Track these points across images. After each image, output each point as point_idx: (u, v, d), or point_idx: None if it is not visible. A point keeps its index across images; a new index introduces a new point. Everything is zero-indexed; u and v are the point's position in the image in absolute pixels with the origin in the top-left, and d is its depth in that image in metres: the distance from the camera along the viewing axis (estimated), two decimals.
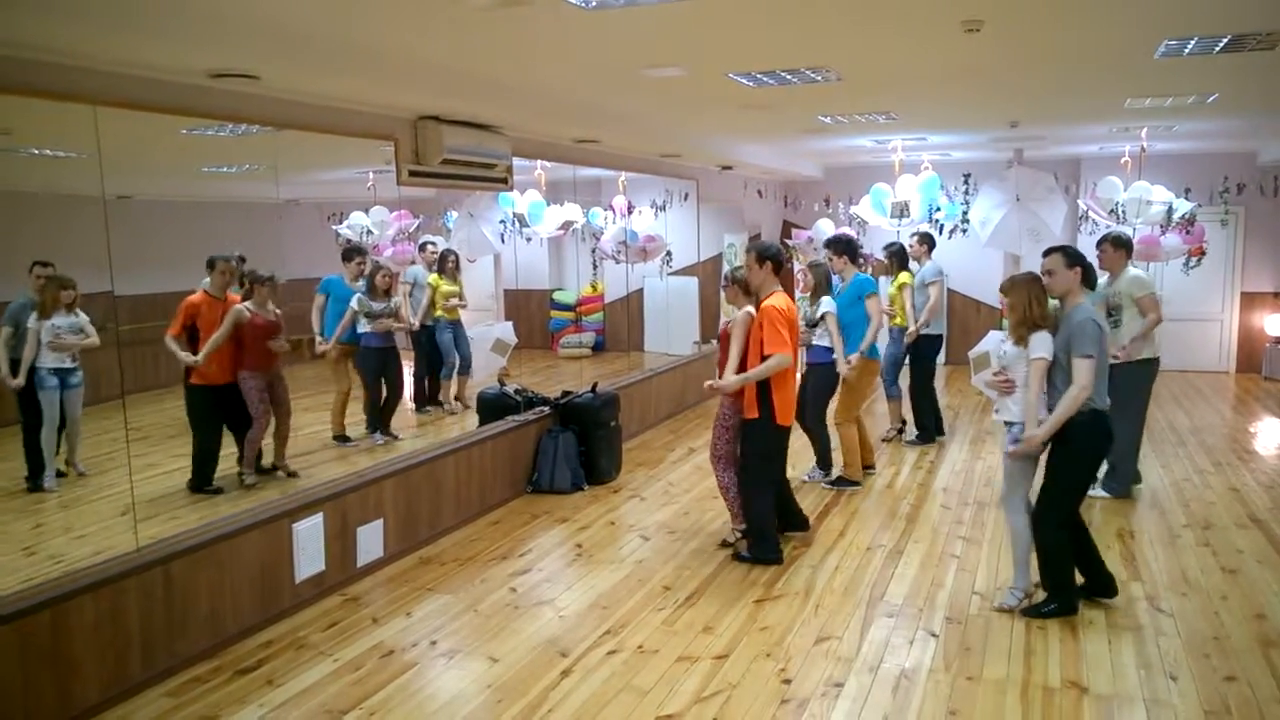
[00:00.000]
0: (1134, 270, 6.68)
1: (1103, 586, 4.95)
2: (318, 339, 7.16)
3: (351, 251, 7.36)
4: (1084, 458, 4.74)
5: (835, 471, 7.34)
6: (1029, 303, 4.70)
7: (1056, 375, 4.65)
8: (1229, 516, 6.42)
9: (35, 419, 5.28)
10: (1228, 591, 5.13)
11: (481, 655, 4.51)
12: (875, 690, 4.10)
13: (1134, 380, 6.51)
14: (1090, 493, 6.61)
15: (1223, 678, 4.17)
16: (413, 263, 8.37)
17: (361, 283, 7.27)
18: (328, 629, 4.85)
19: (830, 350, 7.05)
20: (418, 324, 8.32)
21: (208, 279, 5.95)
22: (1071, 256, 4.78)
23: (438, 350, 8.48)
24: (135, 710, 4.04)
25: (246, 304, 5.94)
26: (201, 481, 5.74)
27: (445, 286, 8.42)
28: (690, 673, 4.29)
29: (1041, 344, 4.64)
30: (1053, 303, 4.85)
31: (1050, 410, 4.63)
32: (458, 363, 8.51)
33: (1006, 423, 4.79)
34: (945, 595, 5.12)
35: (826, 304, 7.00)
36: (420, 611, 5.06)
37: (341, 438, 7.17)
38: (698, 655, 4.46)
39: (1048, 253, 4.90)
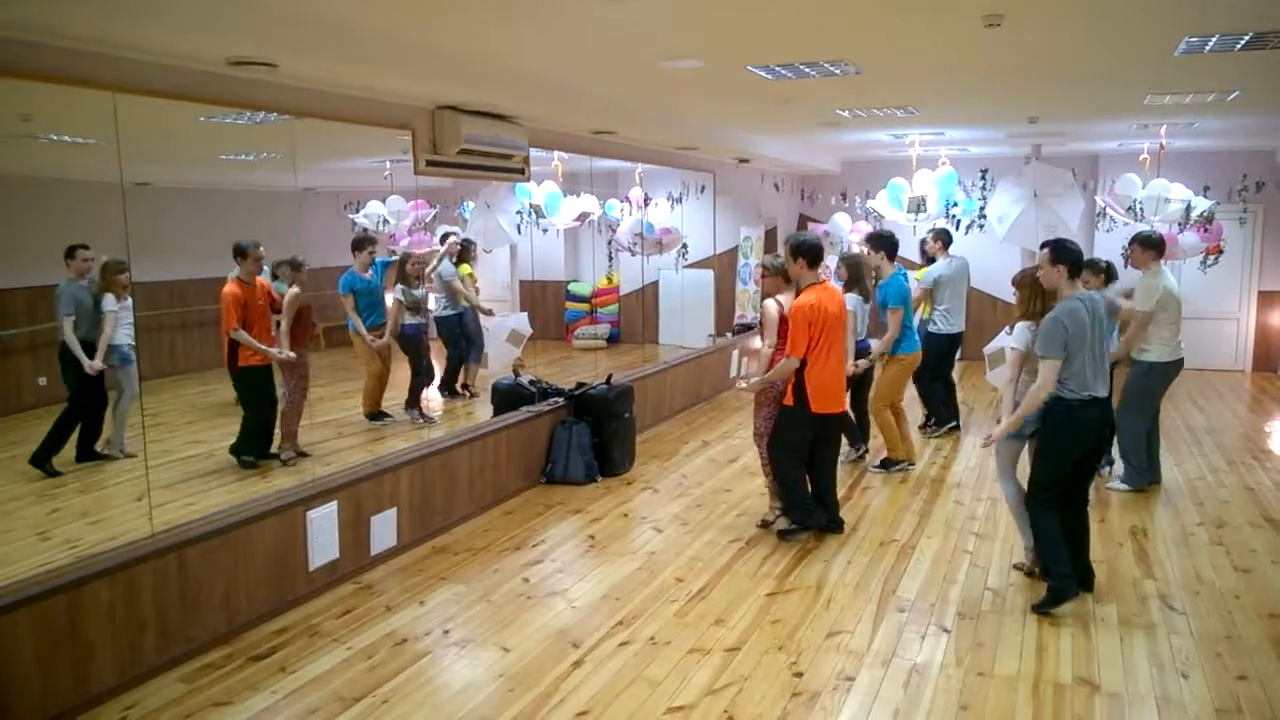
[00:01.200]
0: (1150, 278, 6.60)
1: (1081, 578, 5.00)
2: (367, 335, 7.40)
3: (363, 241, 7.42)
4: (1058, 446, 4.85)
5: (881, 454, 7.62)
6: (1030, 298, 4.99)
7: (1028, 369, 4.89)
8: (1243, 515, 6.39)
9: (96, 399, 5.49)
10: (1241, 590, 5.11)
11: (494, 645, 4.53)
12: (886, 684, 4.10)
13: (1138, 379, 6.66)
14: (1110, 486, 6.89)
15: (1235, 677, 4.15)
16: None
17: (372, 273, 7.42)
18: (341, 617, 4.88)
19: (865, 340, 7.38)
20: (448, 311, 8.51)
21: (237, 268, 5.99)
22: (1057, 252, 4.80)
23: (466, 338, 8.63)
24: (149, 695, 4.08)
25: (295, 289, 6.14)
26: (259, 453, 6.04)
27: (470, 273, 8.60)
28: (702, 665, 4.30)
29: (1018, 335, 4.93)
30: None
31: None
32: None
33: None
34: (957, 591, 5.12)
35: (851, 301, 7.02)
36: (433, 600, 5.08)
37: (378, 415, 7.52)
38: (709, 647, 4.47)
39: (1043, 247, 4.96)
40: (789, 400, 5.71)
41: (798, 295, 5.69)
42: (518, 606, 4.99)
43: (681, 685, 4.11)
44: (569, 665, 4.31)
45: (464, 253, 8.59)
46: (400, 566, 5.59)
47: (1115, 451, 7.01)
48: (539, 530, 6.22)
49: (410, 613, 4.92)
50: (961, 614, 4.83)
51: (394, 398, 7.72)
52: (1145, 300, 6.53)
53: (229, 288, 5.98)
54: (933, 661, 4.32)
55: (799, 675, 4.19)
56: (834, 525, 6.03)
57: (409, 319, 7.66)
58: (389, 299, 7.53)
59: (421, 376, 7.85)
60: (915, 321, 7.85)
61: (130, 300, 5.39)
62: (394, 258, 7.70)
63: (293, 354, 6.26)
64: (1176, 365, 6.67)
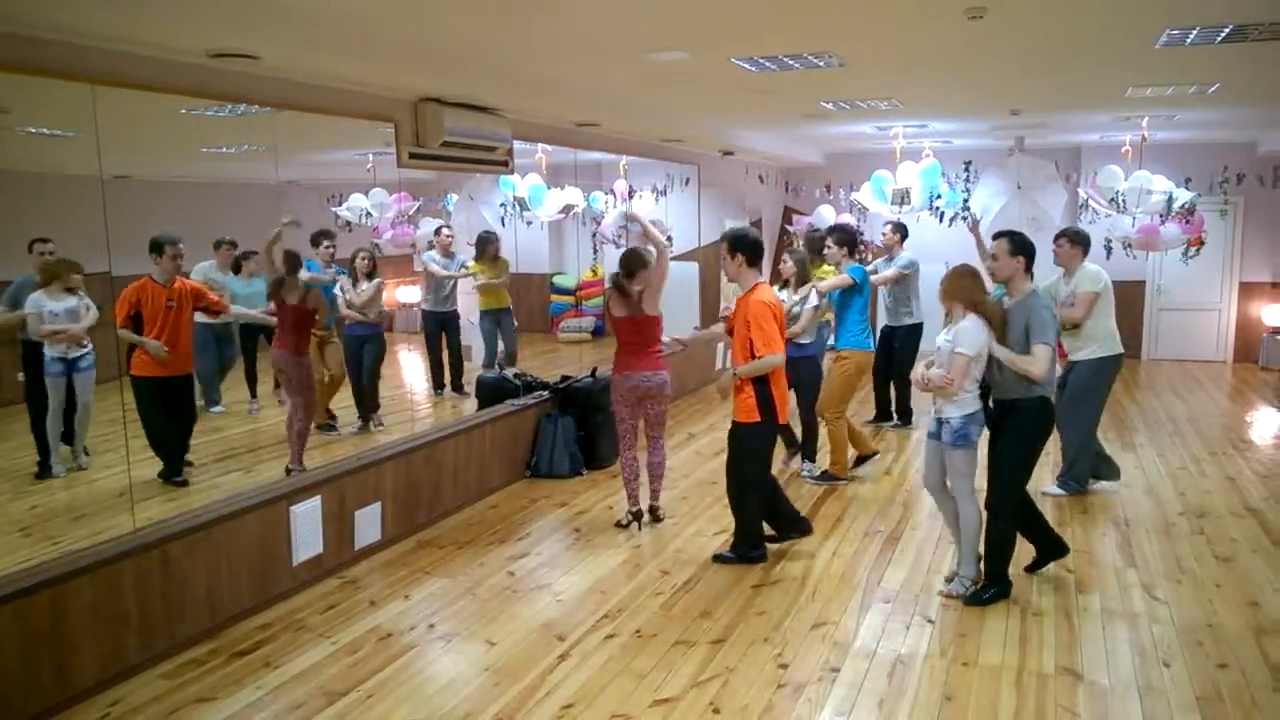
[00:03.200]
0: (1090, 266, 6.40)
1: (1054, 548, 5.06)
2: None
3: (319, 236, 7.11)
4: (1032, 442, 4.79)
5: (820, 467, 7.22)
6: (971, 291, 4.70)
7: (993, 364, 4.68)
8: (1224, 505, 6.44)
9: (41, 404, 5.24)
10: (1222, 579, 5.15)
11: (479, 638, 4.53)
12: (871, 675, 4.12)
13: (1087, 378, 6.38)
14: (1046, 491, 6.58)
15: (1216, 665, 4.19)
16: (431, 246, 8.37)
17: (335, 268, 7.17)
18: (325, 611, 4.87)
19: (812, 343, 7.06)
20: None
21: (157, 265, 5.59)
22: (1017, 244, 4.78)
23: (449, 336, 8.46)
24: (132, 691, 4.06)
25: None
26: (166, 471, 5.63)
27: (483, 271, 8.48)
28: (687, 657, 4.30)
29: (971, 337, 4.61)
30: (997, 290, 4.85)
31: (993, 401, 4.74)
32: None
33: (944, 419, 4.77)
34: (942, 582, 5.13)
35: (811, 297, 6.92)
36: (418, 594, 5.07)
37: (324, 425, 7.13)
38: (695, 640, 4.48)
39: (997, 236, 4.89)
40: (756, 416, 5.20)
41: (751, 292, 5.25)
42: (503, 600, 4.98)
43: (667, 677, 4.12)
44: (555, 658, 4.31)
45: (483, 249, 8.49)
46: (385, 561, 5.57)
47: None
48: (524, 524, 6.21)
49: (395, 607, 4.91)
50: (946, 605, 4.85)
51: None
52: (1095, 282, 6.28)
53: (130, 285, 5.48)
54: (917, 652, 4.34)
55: (784, 667, 4.20)
56: (805, 528, 5.81)
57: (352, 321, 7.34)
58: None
59: (361, 383, 7.44)
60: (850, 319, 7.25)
61: (79, 300, 5.28)
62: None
63: (165, 349, 5.44)
64: (1121, 359, 6.45)
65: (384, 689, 4.05)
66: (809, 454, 7.28)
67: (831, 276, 7.31)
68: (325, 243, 7.10)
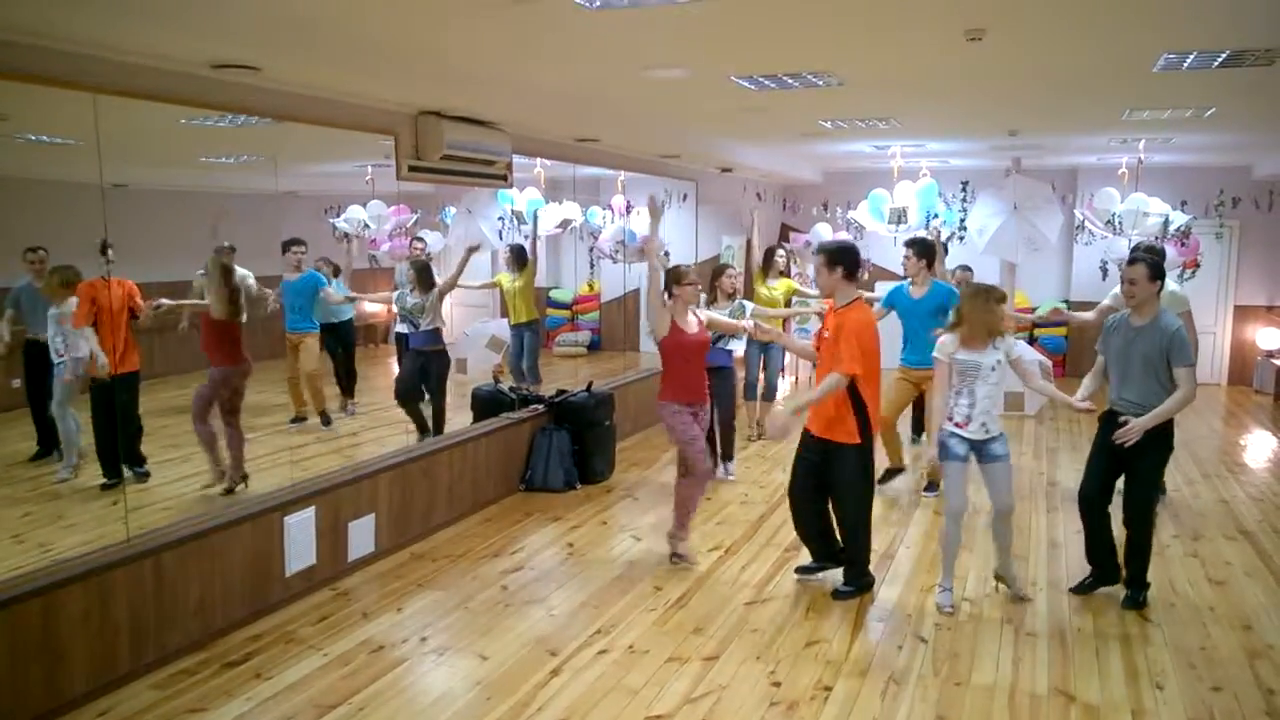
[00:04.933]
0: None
1: (1113, 571, 5.20)
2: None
3: (287, 243, 7.27)
4: (1169, 451, 5.14)
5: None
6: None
7: (1148, 374, 4.88)
8: (1218, 528, 6.45)
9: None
10: (1215, 602, 5.15)
11: (471, 652, 4.51)
12: (864, 694, 4.11)
13: None
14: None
15: (1209, 688, 4.18)
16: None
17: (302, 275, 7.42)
18: (317, 623, 4.85)
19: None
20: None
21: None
22: (1155, 269, 4.88)
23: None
24: (122, 701, 4.03)
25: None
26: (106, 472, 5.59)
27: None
28: (680, 674, 4.29)
29: (1022, 347, 4.90)
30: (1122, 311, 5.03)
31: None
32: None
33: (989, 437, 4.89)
34: (935, 601, 5.13)
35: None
36: (411, 607, 5.06)
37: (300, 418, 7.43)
38: (688, 656, 4.47)
39: (1132, 261, 5.00)
40: (857, 438, 4.99)
41: (850, 308, 4.98)
42: (496, 614, 4.97)
43: (660, 694, 4.10)
44: (547, 673, 4.30)
45: (521, 259, 8.63)
46: (378, 573, 5.55)
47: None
48: (518, 538, 6.20)
49: (387, 620, 4.90)
50: (939, 624, 4.85)
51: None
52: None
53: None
54: (910, 671, 4.33)
55: (777, 684, 4.19)
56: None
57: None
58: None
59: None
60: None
61: (59, 306, 5.33)
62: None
63: (104, 361, 5.33)
64: None
65: (375, 702, 4.03)
66: (728, 456, 7.64)
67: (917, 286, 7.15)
68: (295, 248, 7.25)
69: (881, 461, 7.41)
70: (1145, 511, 5.03)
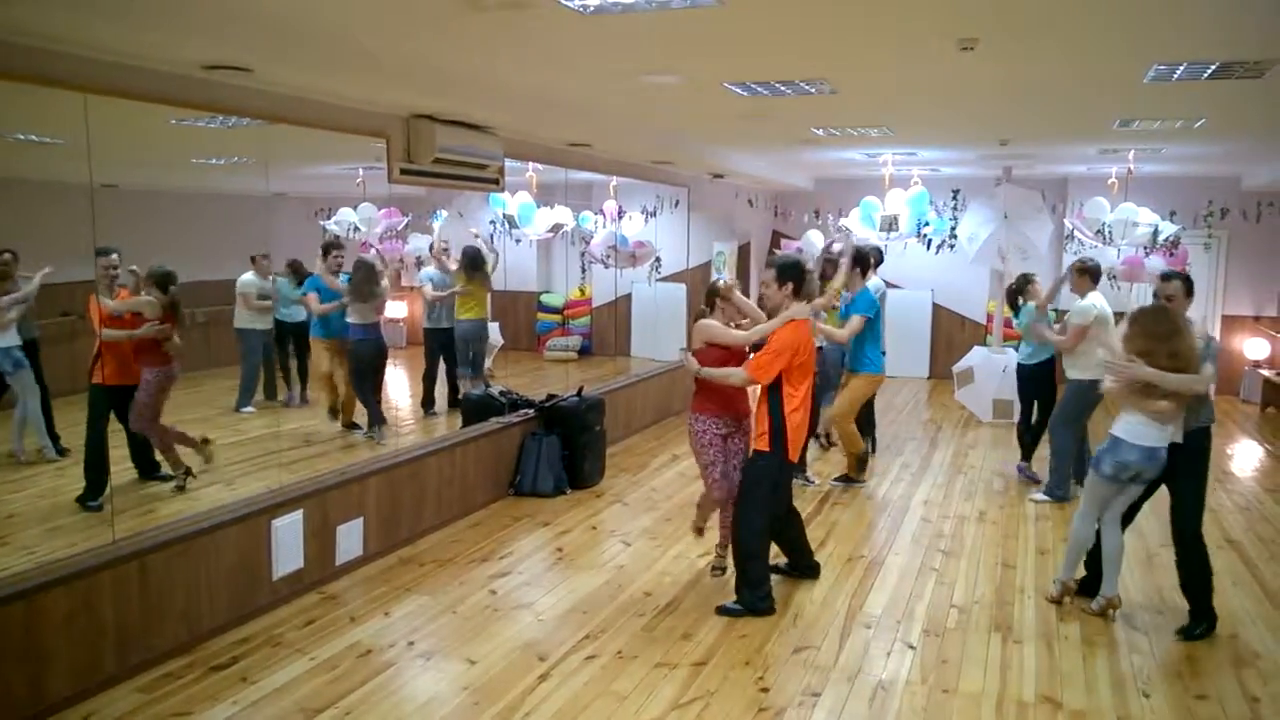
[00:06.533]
0: (1083, 300, 6.98)
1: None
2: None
3: (330, 245, 7.35)
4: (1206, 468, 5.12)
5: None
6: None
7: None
8: (1205, 537, 6.44)
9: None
10: None
11: (459, 657, 4.50)
12: (852, 700, 4.11)
13: (1076, 394, 6.99)
14: (1032, 497, 7.25)
15: (1194, 696, 4.20)
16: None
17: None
18: (304, 627, 4.83)
19: None
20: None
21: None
22: (1190, 286, 5.16)
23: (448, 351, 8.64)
24: (106, 705, 4.01)
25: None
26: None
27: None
28: (668, 679, 4.29)
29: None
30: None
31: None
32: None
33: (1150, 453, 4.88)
34: (923, 608, 5.14)
35: None
36: (399, 611, 5.04)
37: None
38: (676, 662, 4.46)
39: (1167, 277, 5.24)
40: (767, 445, 4.95)
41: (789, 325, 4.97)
42: (484, 619, 4.95)
43: (648, 699, 4.10)
44: (535, 678, 4.29)
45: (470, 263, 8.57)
46: (366, 577, 5.53)
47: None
48: (506, 542, 6.18)
49: (375, 624, 4.88)
50: (927, 631, 4.85)
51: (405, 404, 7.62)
52: (1084, 316, 6.84)
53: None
54: (898, 678, 4.33)
55: (765, 691, 4.19)
56: (813, 571, 5.59)
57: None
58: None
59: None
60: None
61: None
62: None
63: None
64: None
65: (362, 706, 4.02)
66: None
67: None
68: (335, 253, 7.28)
69: (835, 468, 7.72)
70: (1196, 543, 4.96)
